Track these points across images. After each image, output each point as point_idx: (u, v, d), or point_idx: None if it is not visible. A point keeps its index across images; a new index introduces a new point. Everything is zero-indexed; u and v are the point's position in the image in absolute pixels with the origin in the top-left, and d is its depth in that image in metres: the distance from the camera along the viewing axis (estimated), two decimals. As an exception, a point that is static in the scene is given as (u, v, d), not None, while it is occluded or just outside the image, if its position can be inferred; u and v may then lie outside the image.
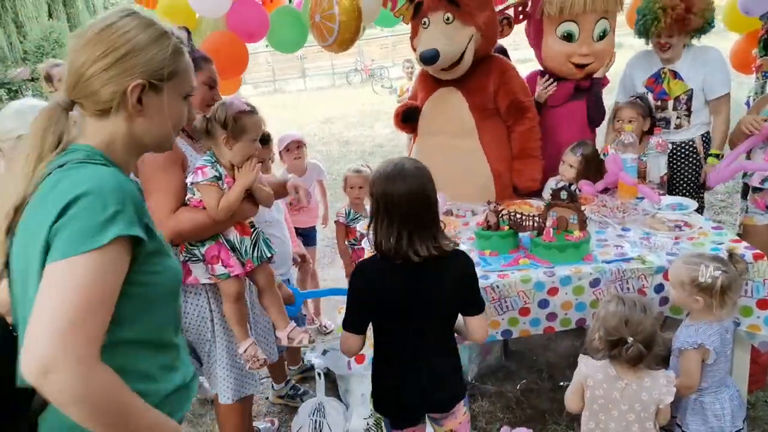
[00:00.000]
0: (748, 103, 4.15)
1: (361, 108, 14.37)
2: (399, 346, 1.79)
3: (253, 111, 2.02)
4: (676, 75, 3.09)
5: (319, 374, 2.80)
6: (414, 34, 2.99)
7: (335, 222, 3.37)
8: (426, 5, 2.87)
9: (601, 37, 3.04)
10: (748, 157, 2.82)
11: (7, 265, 1.12)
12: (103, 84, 1.10)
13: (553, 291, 2.19)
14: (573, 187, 2.52)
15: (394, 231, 1.64)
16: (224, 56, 2.96)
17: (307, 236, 3.59)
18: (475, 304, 1.77)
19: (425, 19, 2.88)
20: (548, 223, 2.31)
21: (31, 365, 0.93)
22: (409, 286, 1.70)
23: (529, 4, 3.18)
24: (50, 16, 23.30)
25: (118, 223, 1.01)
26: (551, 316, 2.24)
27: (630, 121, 2.89)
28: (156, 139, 1.21)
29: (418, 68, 3.34)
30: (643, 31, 3.06)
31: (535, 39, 3.24)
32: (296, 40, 3.40)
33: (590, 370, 1.86)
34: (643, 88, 3.18)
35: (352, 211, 3.31)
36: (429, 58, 2.75)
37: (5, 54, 21.73)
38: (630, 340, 1.73)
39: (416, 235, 1.64)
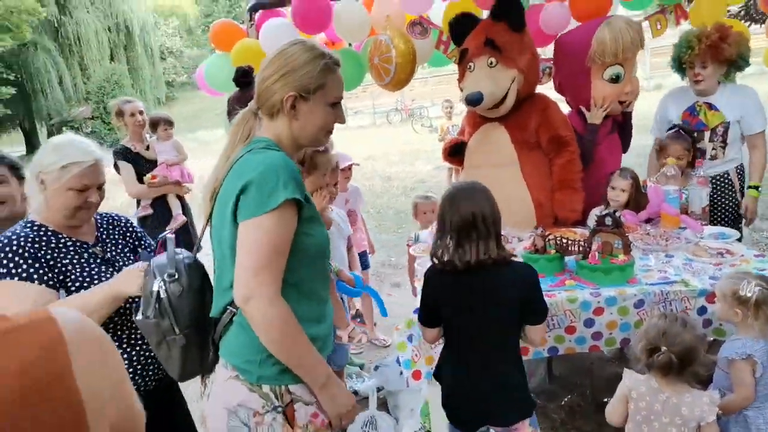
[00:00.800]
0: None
1: (402, 146, 14.71)
2: (464, 351, 1.94)
3: (326, 150, 2.47)
4: (711, 107, 3.20)
5: (372, 390, 2.95)
6: (461, 77, 3.22)
7: (407, 245, 3.58)
8: (471, 52, 3.11)
9: (615, 80, 3.22)
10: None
11: (209, 221, 1.56)
12: (272, 94, 1.49)
13: (598, 311, 2.30)
14: (618, 214, 2.66)
15: (449, 241, 1.84)
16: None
17: (360, 260, 3.80)
18: (537, 312, 1.90)
19: (470, 64, 3.12)
20: (593, 247, 2.45)
21: (239, 296, 1.38)
22: (467, 291, 1.86)
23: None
24: (112, 59, 24.94)
25: (288, 189, 1.37)
26: (596, 335, 2.35)
27: (679, 158, 3.02)
28: (309, 137, 1.56)
29: (457, 107, 3.63)
30: (677, 63, 3.21)
31: (574, 84, 3.39)
32: (356, 78, 3.70)
33: (633, 383, 1.96)
34: (677, 121, 3.30)
35: (419, 237, 3.51)
36: (474, 100, 2.98)
37: (70, 94, 23.31)
38: (663, 349, 1.84)
39: (468, 244, 1.82)
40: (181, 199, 4.22)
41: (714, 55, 3.06)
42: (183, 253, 1.71)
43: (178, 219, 4.08)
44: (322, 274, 1.61)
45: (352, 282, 2.69)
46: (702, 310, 2.30)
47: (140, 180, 3.92)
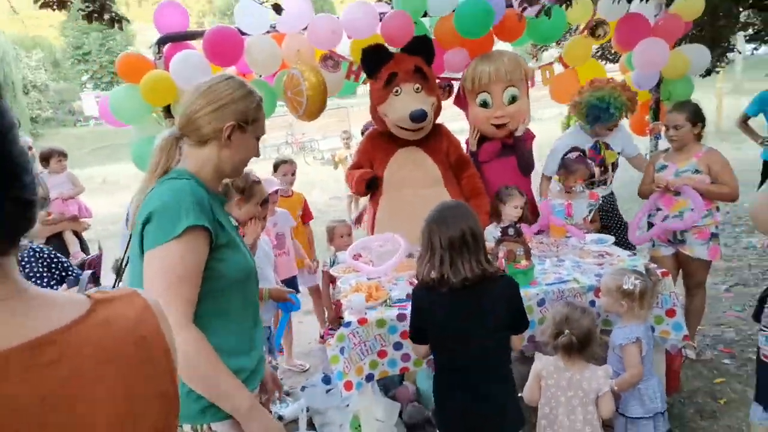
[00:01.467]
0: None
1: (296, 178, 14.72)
2: (461, 367, 2.01)
3: (260, 181, 2.64)
4: (608, 146, 3.89)
5: (301, 410, 3.01)
6: (381, 100, 3.50)
7: (322, 271, 3.66)
8: (400, 76, 3.44)
9: (512, 101, 3.71)
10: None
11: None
12: (206, 123, 1.51)
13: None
14: (518, 225, 3.02)
15: (437, 260, 1.93)
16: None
17: (290, 285, 3.83)
18: (522, 322, 2.06)
19: (398, 88, 3.45)
20: (500, 255, 2.76)
21: None
22: (463, 306, 1.95)
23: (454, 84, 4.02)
24: None
25: (190, 217, 1.37)
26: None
27: (582, 178, 3.50)
28: (233, 167, 1.60)
29: (355, 138, 3.96)
30: (593, 122, 3.77)
31: (465, 107, 3.96)
32: (267, 109, 3.81)
33: (544, 364, 2.27)
34: None
35: (337, 259, 3.62)
36: (420, 116, 3.35)
37: None
38: (566, 332, 2.17)
39: (459, 260, 1.91)
40: (78, 235, 4.04)
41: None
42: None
43: (77, 257, 3.87)
44: (249, 301, 1.60)
45: (287, 299, 2.79)
46: (591, 303, 2.67)
47: None
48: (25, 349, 0.61)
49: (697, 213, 3.22)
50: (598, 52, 5.28)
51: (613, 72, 4.67)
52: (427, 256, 1.99)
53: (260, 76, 3.97)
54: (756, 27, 6.77)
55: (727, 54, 6.68)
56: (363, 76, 3.71)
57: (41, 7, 2.99)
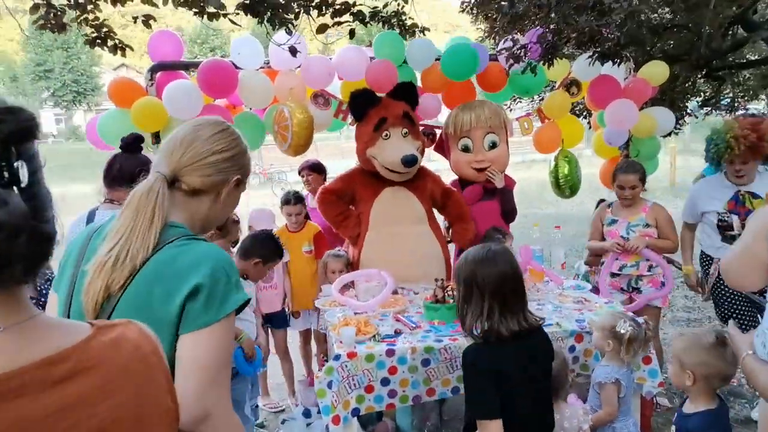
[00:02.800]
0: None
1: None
2: (520, 422, 1.87)
3: (238, 221, 2.87)
4: (754, 195, 3.39)
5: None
6: (370, 144, 3.61)
7: (316, 308, 3.51)
8: (390, 121, 3.56)
9: (492, 147, 3.90)
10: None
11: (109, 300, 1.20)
12: (210, 174, 1.35)
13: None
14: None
15: (485, 311, 1.81)
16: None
17: (274, 319, 3.79)
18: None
19: (386, 132, 3.56)
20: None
21: (191, 415, 1.08)
22: (520, 360, 1.85)
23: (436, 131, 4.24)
24: None
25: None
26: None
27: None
28: (220, 219, 1.48)
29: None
30: (715, 159, 3.41)
31: (446, 153, 4.14)
32: (255, 141, 3.87)
33: None
34: (721, 209, 3.44)
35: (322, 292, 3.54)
36: (412, 161, 3.47)
37: None
38: None
39: (508, 310, 1.80)
40: None
41: (754, 153, 3.27)
42: None
43: None
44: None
45: (254, 355, 2.73)
46: (571, 349, 2.78)
47: None
48: (40, 366, 0.66)
49: (668, 283, 3.54)
50: (575, 107, 5.57)
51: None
52: (472, 302, 1.85)
53: (250, 108, 4.03)
54: (708, 94, 7.32)
55: (685, 117, 7.15)
56: (350, 117, 3.84)
57: (40, 27, 2.99)
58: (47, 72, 37.85)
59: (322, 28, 2.80)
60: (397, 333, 2.79)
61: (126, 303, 1.18)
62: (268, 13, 2.49)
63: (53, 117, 40.18)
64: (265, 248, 3.00)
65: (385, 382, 2.61)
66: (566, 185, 4.49)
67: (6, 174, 0.66)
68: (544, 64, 3.65)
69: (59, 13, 2.96)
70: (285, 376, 3.98)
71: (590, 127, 5.20)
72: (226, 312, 1.18)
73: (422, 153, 3.74)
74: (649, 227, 3.54)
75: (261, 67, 3.80)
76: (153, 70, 3.68)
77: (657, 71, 4.25)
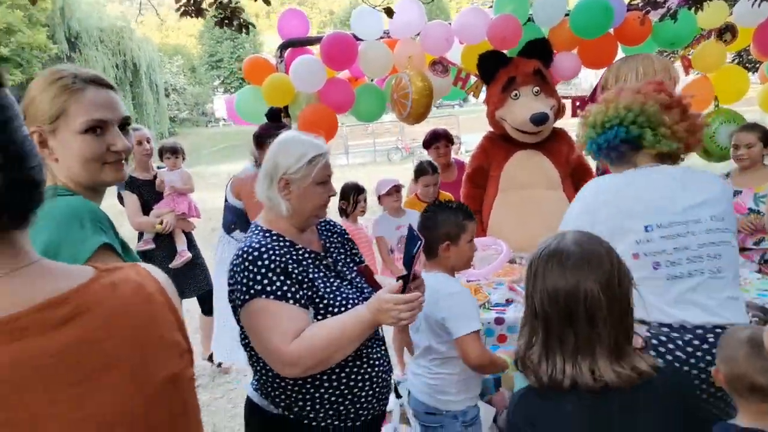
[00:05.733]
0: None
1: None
2: None
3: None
4: None
5: (400, 404, 3.05)
6: (499, 105, 3.51)
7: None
8: (519, 80, 3.45)
9: None
10: None
11: None
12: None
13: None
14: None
15: (552, 347, 1.17)
16: (318, 125, 3.50)
17: None
18: None
19: (516, 92, 3.45)
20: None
21: None
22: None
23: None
24: (118, 94, 25.60)
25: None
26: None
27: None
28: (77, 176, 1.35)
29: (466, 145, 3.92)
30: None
31: None
32: (376, 111, 3.96)
33: None
34: None
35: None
36: (542, 119, 3.33)
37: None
38: None
39: (560, 352, 1.16)
40: (187, 234, 4.00)
41: None
42: None
43: (183, 256, 3.86)
44: None
45: None
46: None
47: (146, 211, 3.77)
48: (39, 310, 0.67)
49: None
50: (734, 59, 4.84)
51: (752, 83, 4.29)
52: (530, 329, 1.23)
53: (372, 79, 4.11)
54: None
55: None
56: (469, 83, 3.73)
57: (181, 15, 3.32)
58: (218, 62, 42.01)
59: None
60: (508, 302, 2.71)
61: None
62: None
63: (224, 103, 44.60)
64: None
65: (493, 350, 2.56)
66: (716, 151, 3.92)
67: None
68: (691, 9, 3.21)
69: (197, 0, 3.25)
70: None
71: (760, 82, 4.48)
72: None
73: (558, 113, 3.54)
74: None
75: (381, 38, 3.84)
76: (282, 48, 3.91)
77: None
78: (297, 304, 1.51)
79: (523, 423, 1.21)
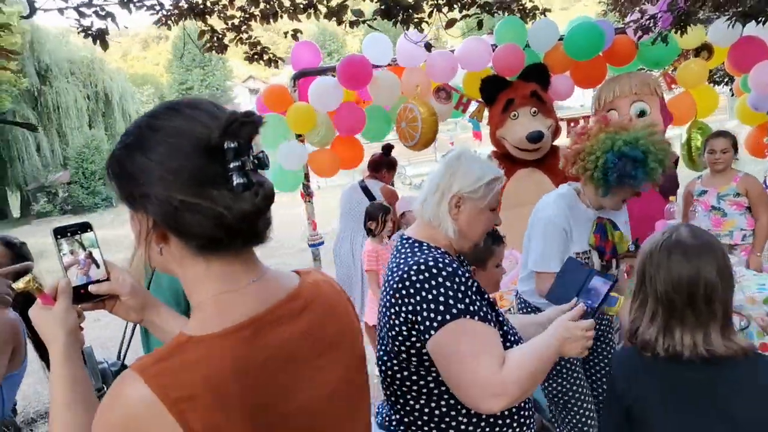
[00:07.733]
0: (765, 182, 4.80)
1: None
2: None
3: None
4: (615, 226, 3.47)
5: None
6: (500, 125, 3.79)
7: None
8: (517, 101, 3.72)
9: (641, 115, 3.79)
10: None
11: None
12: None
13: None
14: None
15: (653, 317, 1.36)
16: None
17: None
18: None
19: (515, 113, 3.71)
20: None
21: None
22: (683, 395, 1.31)
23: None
24: (90, 126, 25.26)
25: None
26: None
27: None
28: None
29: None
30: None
31: None
32: (383, 131, 4.29)
33: None
34: None
35: None
36: (537, 137, 3.59)
37: (48, 161, 23.37)
38: None
39: (679, 327, 1.32)
40: None
41: None
42: (106, 363, 1.63)
43: None
44: None
45: None
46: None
47: None
48: (286, 302, 0.88)
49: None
50: (714, 74, 5.26)
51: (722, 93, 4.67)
52: (642, 305, 1.40)
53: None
54: None
55: None
56: (470, 108, 4.03)
57: (206, 51, 3.51)
58: (188, 90, 41.96)
59: (451, 23, 3.00)
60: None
61: None
62: (402, 15, 2.73)
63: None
64: None
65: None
66: (701, 158, 4.26)
67: (255, 161, 0.83)
68: (676, 32, 3.54)
69: (221, 36, 3.45)
70: None
71: (732, 95, 4.88)
72: None
73: (556, 132, 3.82)
74: (740, 197, 3.53)
75: (388, 64, 4.10)
76: (296, 78, 4.12)
77: (810, 26, 3.91)
78: (496, 327, 1.37)
79: (623, 380, 1.40)
